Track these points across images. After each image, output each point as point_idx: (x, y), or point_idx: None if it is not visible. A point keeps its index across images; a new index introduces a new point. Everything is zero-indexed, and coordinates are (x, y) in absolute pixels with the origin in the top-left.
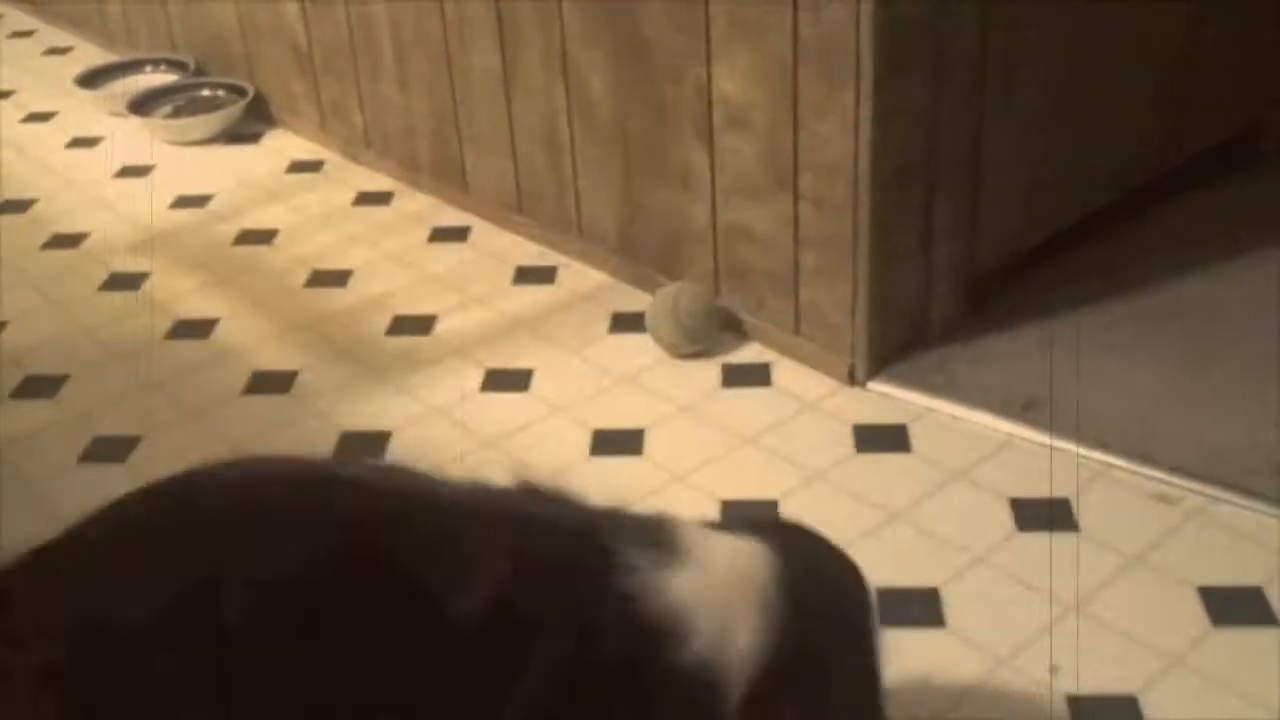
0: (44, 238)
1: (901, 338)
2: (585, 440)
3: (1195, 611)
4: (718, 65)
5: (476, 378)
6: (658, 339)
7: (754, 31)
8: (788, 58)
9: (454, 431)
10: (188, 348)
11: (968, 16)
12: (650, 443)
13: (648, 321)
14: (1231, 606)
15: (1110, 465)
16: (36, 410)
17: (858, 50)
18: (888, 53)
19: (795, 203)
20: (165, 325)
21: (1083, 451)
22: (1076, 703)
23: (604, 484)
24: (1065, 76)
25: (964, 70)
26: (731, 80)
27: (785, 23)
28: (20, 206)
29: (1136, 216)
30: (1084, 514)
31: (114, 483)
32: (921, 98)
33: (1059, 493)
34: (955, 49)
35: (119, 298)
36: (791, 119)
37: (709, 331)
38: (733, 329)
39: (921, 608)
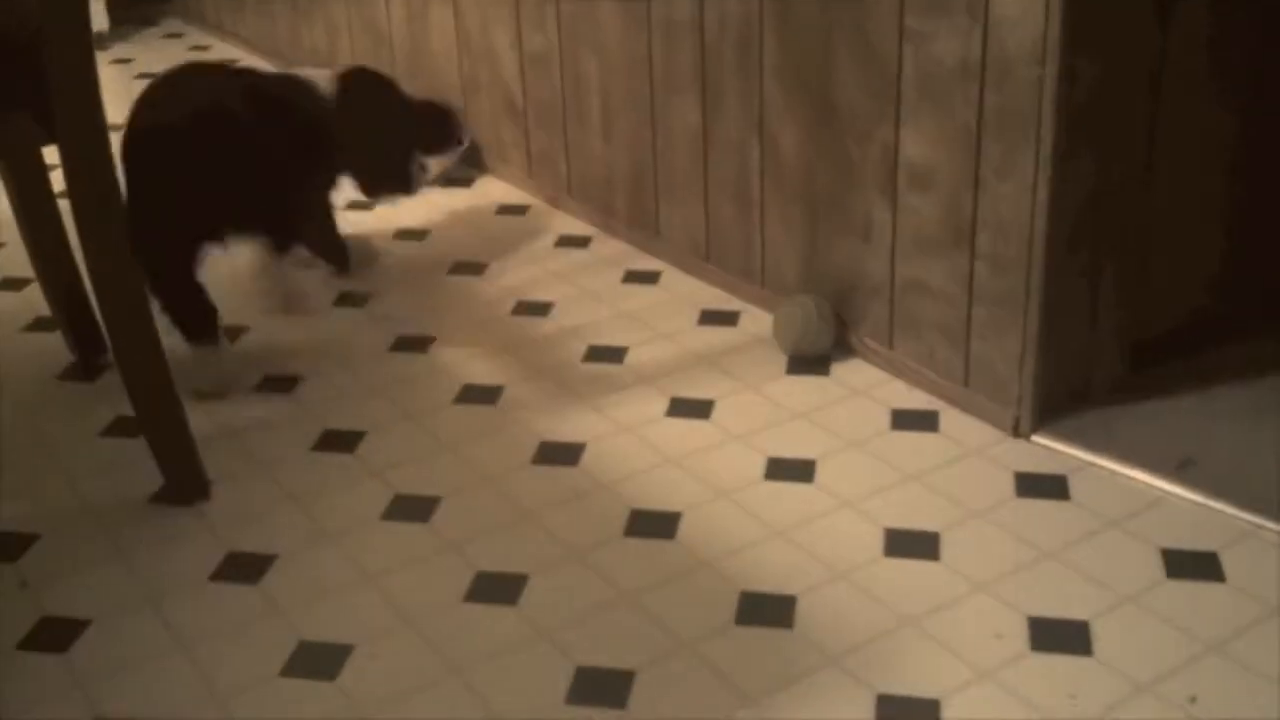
0: None
1: (1065, 394)
2: (760, 464)
3: None
4: (905, 130)
5: (662, 404)
6: (781, 333)
7: (942, 101)
8: (972, 125)
9: (640, 447)
10: (407, 360)
11: (1140, 101)
12: (820, 472)
13: (776, 319)
14: None
15: (1259, 526)
16: (273, 404)
17: (1039, 121)
18: (1066, 126)
19: (971, 259)
20: (388, 340)
21: (1233, 511)
22: None
23: (774, 505)
24: (1238, 173)
25: (1135, 151)
26: (917, 144)
27: (972, 93)
28: None
29: None
30: (1230, 567)
31: (343, 469)
32: (1094, 170)
33: (1208, 547)
34: (1128, 130)
35: (347, 313)
36: (973, 181)
37: (828, 334)
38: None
39: (1071, 638)
